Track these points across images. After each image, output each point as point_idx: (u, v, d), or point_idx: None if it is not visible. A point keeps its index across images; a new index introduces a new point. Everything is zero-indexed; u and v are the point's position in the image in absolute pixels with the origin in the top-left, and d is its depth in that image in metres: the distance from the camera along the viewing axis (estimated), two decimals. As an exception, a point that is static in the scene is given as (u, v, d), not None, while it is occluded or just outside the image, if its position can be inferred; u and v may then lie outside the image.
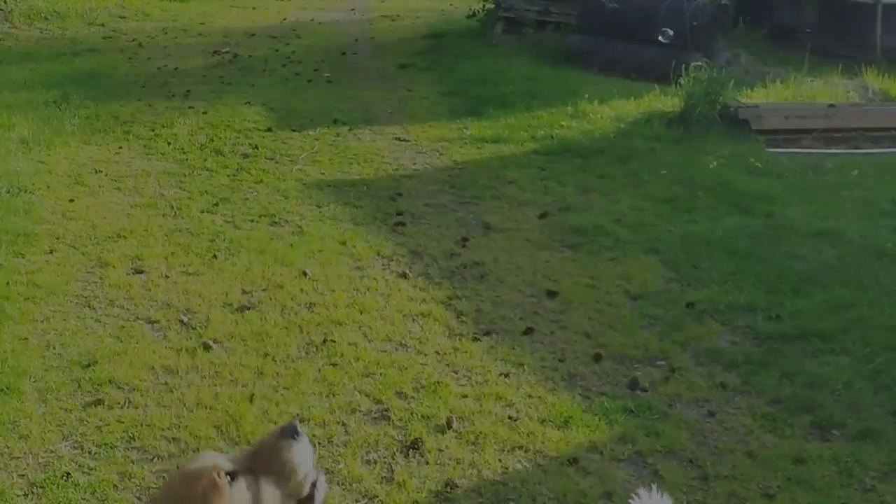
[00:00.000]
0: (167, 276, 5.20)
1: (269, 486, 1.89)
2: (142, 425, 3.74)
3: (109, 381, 4.06)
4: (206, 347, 4.37)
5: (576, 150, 7.91)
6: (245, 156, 7.65)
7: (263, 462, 1.90)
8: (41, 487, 3.38)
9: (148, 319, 4.68)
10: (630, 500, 2.12)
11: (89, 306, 4.82)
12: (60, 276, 5.15)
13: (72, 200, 6.41)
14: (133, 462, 3.52)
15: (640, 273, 5.39)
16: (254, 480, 1.87)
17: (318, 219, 6.20)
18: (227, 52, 12.61)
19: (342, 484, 3.44)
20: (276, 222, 6.13)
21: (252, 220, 6.14)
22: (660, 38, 8.33)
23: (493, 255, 5.65)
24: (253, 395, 3.98)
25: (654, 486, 2.22)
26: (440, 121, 9.04)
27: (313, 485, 1.95)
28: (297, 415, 3.83)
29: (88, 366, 4.19)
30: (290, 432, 1.93)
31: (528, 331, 4.66)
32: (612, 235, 5.96)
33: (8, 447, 3.60)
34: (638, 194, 6.82)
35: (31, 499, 3.33)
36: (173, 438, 3.67)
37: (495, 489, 3.44)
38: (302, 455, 1.93)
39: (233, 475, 1.85)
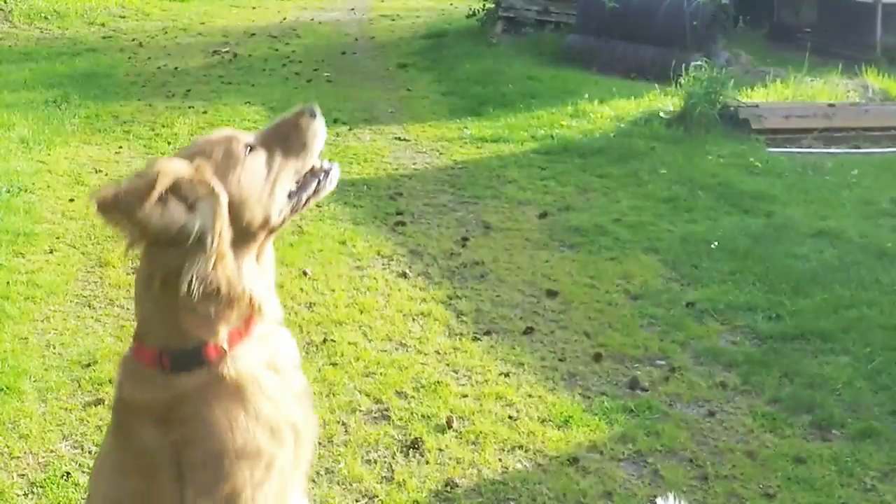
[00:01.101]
0: (167, 276, 5.19)
1: (285, 161, 1.95)
2: (142, 425, 3.74)
3: (109, 381, 4.04)
4: (206, 347, 4.36)
5: (576, 150, 7.91)
6: (245, 155, 7.64)
7: (281, 137, 1.98)
8: (41, 487, 3.38)
9: (148, 319, 4.68)
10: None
11: (89, 306, 4.82)
12: (60, 276, 5.15)
13: (72, 200, 6.41)
14: (133, 462, 3.52)
15: (640, 273, 5.39)
16: (270, 154, 1.94)
17: (318, 218, 6.20)
18: (227, 52, 12.62)
19: (342, 484, 3.44)
20: (276, 222, 6.12)
21: (252, 220, 6.13)
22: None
23: (493, 254, 5.65)
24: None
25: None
26: (440, 120, 9.04)
27: (327, 172, 2.04)
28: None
29: (88, 365, 4.19)
30: (308, 111, 2.02)
31: (528, 330, 4.66)
32: (612, 235, 5.96)
33: (8, 447, 3.60)
34: (638, 194, 6.82)
35: (31, 499, 3.33)
36: (173, 438, 3.67)
37: (495, 489, 3.44)
38: (317, 133, 2.01)
39: (251, 147, 1.91)
